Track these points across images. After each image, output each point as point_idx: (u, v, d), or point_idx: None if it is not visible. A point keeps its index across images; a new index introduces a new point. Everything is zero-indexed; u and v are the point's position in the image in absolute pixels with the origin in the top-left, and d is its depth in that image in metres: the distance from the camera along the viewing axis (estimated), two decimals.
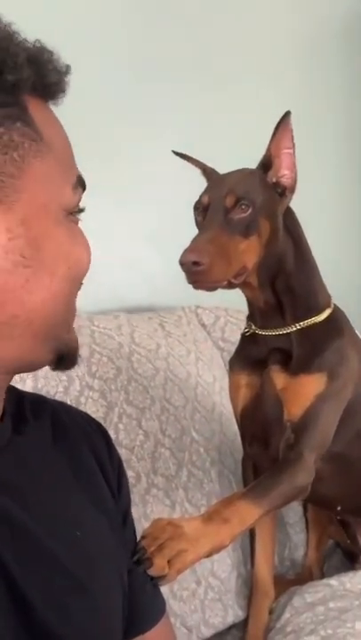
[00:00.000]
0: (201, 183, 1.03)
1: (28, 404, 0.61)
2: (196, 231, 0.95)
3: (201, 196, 0.98)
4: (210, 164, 1.07)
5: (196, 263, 0.87)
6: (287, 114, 0.96)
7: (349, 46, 2.19)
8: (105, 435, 0.68)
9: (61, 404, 0.68)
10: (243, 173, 0.99)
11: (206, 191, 0.99)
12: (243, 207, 0.93)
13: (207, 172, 1.05)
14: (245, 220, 0.93)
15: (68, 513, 0.56)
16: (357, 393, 1.06)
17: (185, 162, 1.09)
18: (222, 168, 1.05)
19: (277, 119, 0.97)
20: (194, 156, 1.08)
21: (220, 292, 0.98)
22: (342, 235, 2.16)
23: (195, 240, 0.91)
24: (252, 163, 1.01)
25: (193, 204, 1.00)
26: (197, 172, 1.07)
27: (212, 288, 0.94)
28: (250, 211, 0.94)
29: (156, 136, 1.52)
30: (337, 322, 1.06)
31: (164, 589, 0.74)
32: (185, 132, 1.51)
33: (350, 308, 1.15)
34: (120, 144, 1.46)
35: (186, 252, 0.89)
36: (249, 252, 0.95)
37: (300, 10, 2.04)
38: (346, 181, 2.26)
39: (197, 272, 0.88)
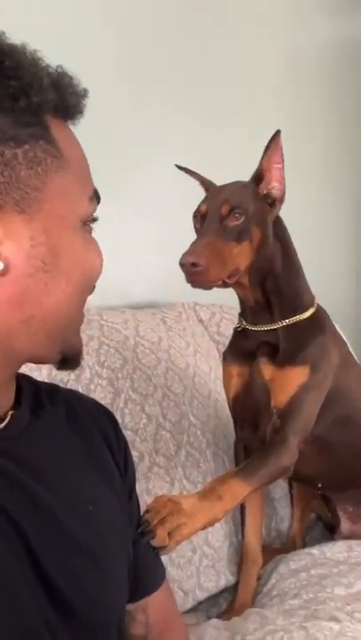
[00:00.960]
0: (200, 195, 1.04)
1: (44, 391, 0.61)
2: (194, 236, 0.96)
3: (199, 205, 0.99)
4: (209, 176, 1.08)
5: (194, 264, 0.89)
6: (277, 133, 0.96)
7: (326, 75, 2.20)
8: (112, 419, 0.68)
9: (72, 392, 0.68)
10: (237, 185, 1.00)
11: (204, 201, 1.00)
12: (236, 215, 0.94)
13: (205, 184, 1.06)
14: (239, 227, 0.94)
15: (83, 490, 0.57)
16: (336, 384, 1.06)
17: (186, 175, 1.09)
18: (219, 180, 1.06)
19: (267, 137, 0.97)
20: (195, 170, 1.09)
21: (215, 290, 0.99)
22: (323, 240, 2.17)
23: (193, 244, 0.92)
24: (244, 176, 1.02)
25: (192, 212, 1.01)
26: (197, 184, 1.08)
27: (208, 287, 0.95)
28: (243, 219, 0.94)
29: (161, 152, 1.51)
30: (320, 319, 1.07)
31: (164, 558, 0.75)
32: (186, 149, 1.51)
33: (332, 307, 1.15)
34: (130, 159, 1.47)
35: (185, 254, 0.90)
36: (241, 256, 0.95)
37: (284, 39, 2.03)
38: (326, 193, 2.27)
39: (195, 272, 0.90)
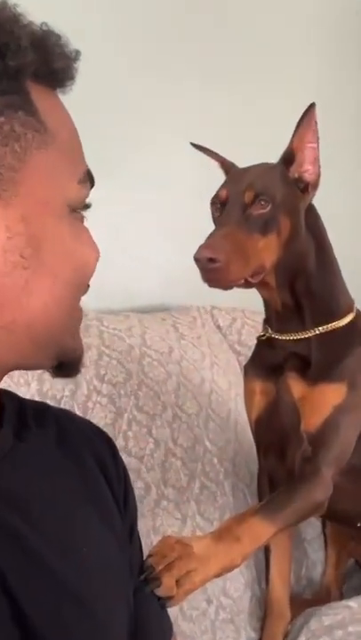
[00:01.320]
0: (219, 178, 1.04)
1: (31, 410, 0.60)
2: (212, 227, 0.96)
3: (219, 191, 0.99)
4: (229, 159, 1.08)
5: (211, 260, 0.88)
6: (312, 106, 0.96)
7: None
8: (110, 443, 0.68)
9: (64, 412, 0.68)
10: (263, 168, 1.00)
11: (224, 185, 1.00)
12: (262, 203, 0.94)
13: (226, 166, 1.06)
14: (265, 217, 0.94)
15: (74, 526, 0.56)
16: None
17: (202, 155, 1.09)
18: (241, 163, 1.05)
19: (299, 111, 0.97)
20: (212, 149, 1.09)
21: (237, 292, 0.99)
22: None
23: (211, 236, 0.92)
24: (271, 158, 1.02)
25: (209, 199, 1.01)
26: (215, 165, 1.08)
27: (227, 287, 0.94)
28: (269, 207, 0.94)
29: (174, 129, 1.52)
30: (360, 327, 1.07)
31: (173, 608, 0.75)
32: (204, 125, 1.51)
33: None
34: (137, 136, 1.48)
35: (201, 248, 0.90)
36: (267, 251, 0.95)
37: None
38: None
39: (213, 269, 0.89)
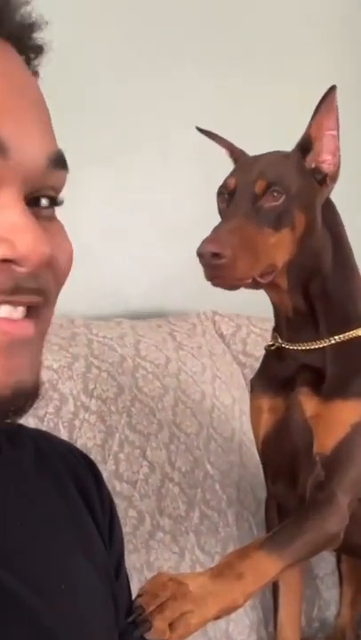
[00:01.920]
0: (223, 169, 1.04)
1: (2, 433, 0.59)
2: (217, 221, 0.96)
3: (227, 180, 0.99)
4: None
5: (216, 255, 0.89)
6: (332, 89, 0.97)
7: None
8: (93, 468, 0.68)
9: (41, 433, 0.67)
10: (277, 156, 1.01)
11: (233, 174, 1.00)
12: (275, 195, 0.95)
13: (235, 154, 1.07)
14: (277, 210, 0.95)
15: (53, 560, 0.56)
16: None
17: (205, 142, 1.10)
18: (252, 151, 1.06)
19: (317, 94, 0.98)
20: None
21: (242, 296, 0.99)
22: None
23: (216, 229, 0.93)
24: (288, 146, 1.02)
25: (213, 191, 1.01)
26: (220, 159, 1.08)
27: (233, 286, 0.95)
28: (283, 199, 0.95)
29: (175, 116, 1.53)
30: None
31: None
32: (208, 112, 1.52)
33: None
34: (133, 132, 1.49)
35: (205, 241, 0.90)
36: (280, 248, 0.96)
37: None
38: None
39: (218, 266, 0.90)
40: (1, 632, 0.49)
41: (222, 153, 1.09)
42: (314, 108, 0.98)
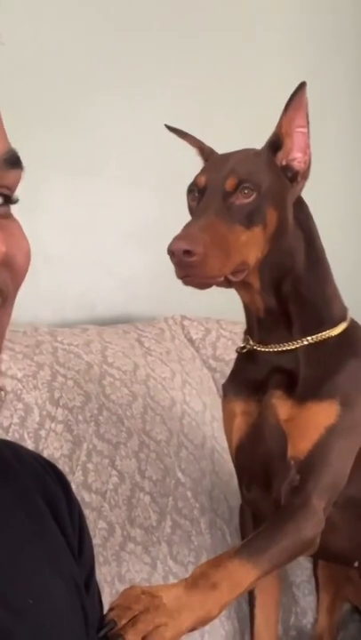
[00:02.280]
0: (193, 168, 1.04)
1: None
2: (186, 220, 0.96)
3: (196, 177, 0.99)
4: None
5: (187, 252, 0.89)
6: (302, 85, 0.97)
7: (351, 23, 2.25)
8: (62, 479, 0.67)
9: (6, 443, 0.67)
10: (247, 153, 1.01)
11: (203, 172, 1.00)
12: (246, 192, 0.95)
13: (205, 153, 1.07)
14: (248, 207, 0.95)
15: (20, 575, 0.55)
16: None
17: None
18: (222, 150, 1.06)
19: (287, 91, 0.98)
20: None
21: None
22: (354, 232, 2.19)
23: (187, 226, 0.93)
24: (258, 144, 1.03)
25: (178, 199, 1.01)
26: (189, 159, 1.08)
27: (205, 284, 0.95)
28: (254, 196, 0.95)
29: (143, 114, 1.53)
30: (353, 338, 1.07)
31: None
32: (178, 111, 1.52)
33: None
34: (99, 132, 1.48)
35: (176, 239, 0.90)
36: (251, 246, 0.96)
37: None
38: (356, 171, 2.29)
39: (189, 264, 0.90)
40: None
41: (190, 153, 1.09)
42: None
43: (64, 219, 1.39)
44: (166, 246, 0.91)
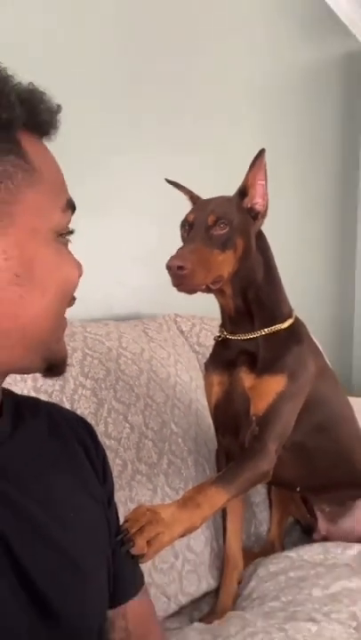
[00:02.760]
0: (178, 211, 1.04)
1: (25, 404, 0.60)
2: (174, 250, 0.96)
3: (187, 215, 1.00)
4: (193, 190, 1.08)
5: (180, 267, 0.89)
6: (262, 151, 0.98)
7: (296, 98, 2.25)
8: (91, 430, 0.67)
9: (53, 405, 0.66)
10: (223, 199, 1.01)
11: (192, 211, 1.01)
12: (221, 225, 0.95)
13: (193, 199, 1.07)
14: (223, 237, 0.95)
15: (64, 496, 0.55)
16: (313, 392, 1.07)
17: (165, 193, 1.09)
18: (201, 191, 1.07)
19: (250, 153, 0.98)
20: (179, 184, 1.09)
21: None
22: (302, 255, 2.19)
23: (180, 249, 0.93)
24: (217, 192, 1.03)
25: (172, 231, 1.01)
26: (177, 202, 1.08)
27: (192, 291, 0.95)
28: (227, 229, 0.95)
29: (143, 172, 1.52)
30: (297, 330, 1.07)
31: (147, 564, 0.73)
32: (171, 164, 1.51)
33: (309, 322, 1.16)
34: (114, 182, 1.47)
35: (172, 258, 0.90)
36: (225, 264, 0.96)
37: (264, 62, 2.07)
38: (303, 208, 2.29)
39: (181, 275, 0.90)
40: (28, 553, 0.48)
41: (181, 196, 1.09)
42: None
43: (88, 246, 1.38)
44: (164, 265, 0.91)
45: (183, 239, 0.98)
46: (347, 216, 2.76)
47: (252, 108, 1.98)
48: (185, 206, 1.06)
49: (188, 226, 0.98)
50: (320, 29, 2.43)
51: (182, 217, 1.01)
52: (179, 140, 1.65)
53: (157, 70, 1.59)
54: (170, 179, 1.09)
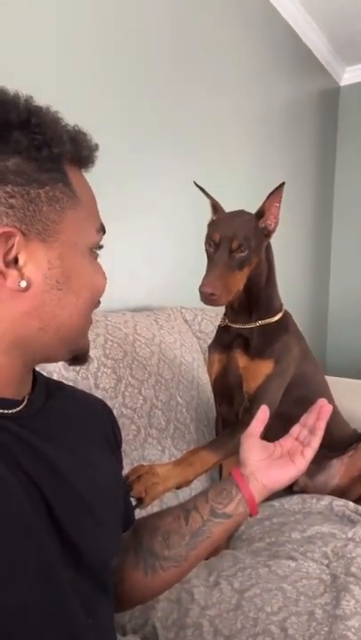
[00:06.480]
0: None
1: (52, 383, 0.60)
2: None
3: (213, 233, 0.97)
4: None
5: (211, 294, 0.90)
6: (282, 185, 0.97)
7: (284, 127, 2.22)
8: (107, 408, 0.66)
9: (74, 388, 0.66)
10: (244, 219, 0.98)
11: (216, 229, 0.97)
12: (242, 249, 0.94)
13: (215, 207, 1.04)
14: (243, 258, 0.95)
15: (86, 456, 0.56)
16: (297, 371, 1.07)
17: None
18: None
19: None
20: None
21: (198, 296, 0.97)
22: (288, 262, 2.18)
23: (210, 275, 0.92)
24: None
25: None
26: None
27: (219, 306, 0.96)
28: (247, 252, 0.94)
29: (157, 179, 1.50)
30: (286, 322, 1.07)
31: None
32: (180, 177, 1.49)
33: (293, 311, 1.15)
34: (130, 199, 1.44)
35: (204, 285, 0.90)
36: (242, 280, 0.96)
37: (251, 93, 2.03)
38: (288, 225, 2.28)
39: (211, 299, 0.91)
40: (59, 501, 0.48)
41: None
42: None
43: (114, 254, 1.37)
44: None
45: (208, 254, 0.97)
46: (323, 231, 2.75)
47: (244, 131, 1.95)
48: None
49: (213, 244, 0.96)
50: (302, 68, 2.39)
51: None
52: (180, 154, 1.61)
53: (159, 100, 1.57)
54: (198, 183, 1.05)
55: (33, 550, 0.45)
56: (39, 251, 0.47)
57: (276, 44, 2.13)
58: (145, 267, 1.53)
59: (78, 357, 0.54)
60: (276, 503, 1.21)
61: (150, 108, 1.51)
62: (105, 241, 0.56)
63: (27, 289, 0.47)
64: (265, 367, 1.00)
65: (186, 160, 1.62)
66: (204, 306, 1.51)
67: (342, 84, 2.74)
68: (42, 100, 0.49)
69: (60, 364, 1.04)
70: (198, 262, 1.00)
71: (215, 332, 1.14)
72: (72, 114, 0.53)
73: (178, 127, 1.61)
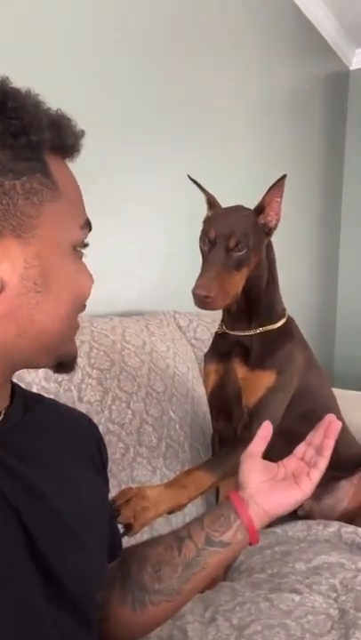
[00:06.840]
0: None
1: (31, 396, 0.60)
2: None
3: (208, 229, 0.96)
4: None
5: (206, 297, 0.89)
6: (283, 177, 0.97)
7: (288, 114, 2.24)
8: (92, 425, 0.66)
9: (56, 402, 0.66)
10: (241, 215, 0.98)
11: (212, 225, 0.97)
12: (240, 247, 0.94)
13: (211, 202, 1.04)
14: (241, 257, 0.94)
15: (69, 473, 0.56)
16: (302, 383, 1.07)
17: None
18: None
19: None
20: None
21: (192, 301, 0.98)
22: (291, 261, 2.19)
23: (204, 275, 0.92)
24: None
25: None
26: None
27: (214, 310, 0.95)
28: (245, 250, 0.94)
29: (150, 175, 1.50)
30: (289, 328, 1.07)
31: None
32: (177, 170, 1.49)
33: (299, 320, 1.16)
34: (120, 184, 1.45)
35: (198, 287, 0.90)
36: (240, 281, 0.96)
37: (256, 78, 2.06)
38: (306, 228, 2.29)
39: (206, 302, 0.90)
40: (37, 523, 0.49)
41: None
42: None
43: (102, 252, 1.35)
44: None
45: (203, 252, 0.96)
46: (331, 229, 2.78)
47: (245, 120, 1.97)
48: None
49: (209, 242, 0.95)
50: (308, 51, 2.42)
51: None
52: (178, 145, 1.63)
53: (159, 88, 1.58)
54: (193, 177, 1.05)
55: (8, 580, 0.44)
56: (14, 248, 0.46)
57: (279, 23, 2.15)
58: (138, 263, 1.53)
59: (64, 364, 0.54)
60: (278, 530, 1.21)
61: (147, 95, 1.52)
62: (96, 237, 0.56)
63: (0, 291, 0.46)
64: (266, 379, 1.00)
65: (185, 152, 1.62)
66: (200, 311, 1.52)
67: (352, 67, 2.76)
68: (42, 99, 0.49)
69: (41, 374, 1.04)
70: (194, 261, 1.00)
71: (212, 339, 1.14)
72: (67, 98, 0.53)
73: (175, 116, 1.62)
